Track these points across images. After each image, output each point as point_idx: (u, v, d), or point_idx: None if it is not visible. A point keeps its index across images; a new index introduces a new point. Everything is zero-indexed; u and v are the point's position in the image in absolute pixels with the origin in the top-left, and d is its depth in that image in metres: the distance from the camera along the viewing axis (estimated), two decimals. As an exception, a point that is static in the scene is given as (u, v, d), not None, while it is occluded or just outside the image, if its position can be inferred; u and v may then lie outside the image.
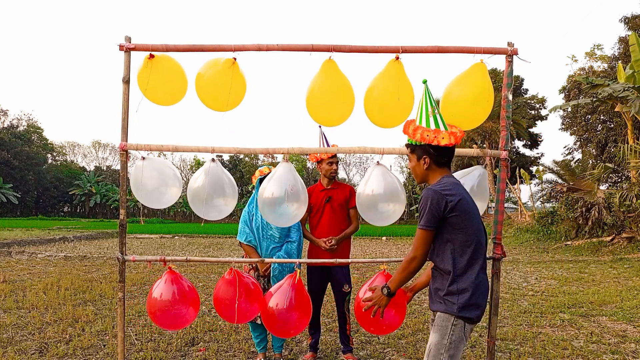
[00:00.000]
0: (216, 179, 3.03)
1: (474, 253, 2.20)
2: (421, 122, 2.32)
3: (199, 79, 2.95)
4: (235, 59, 2.90)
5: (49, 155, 58.21)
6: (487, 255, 3.02)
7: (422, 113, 2.34)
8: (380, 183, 2.96)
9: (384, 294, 2.31)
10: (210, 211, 3.05)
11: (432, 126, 2.29)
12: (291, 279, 2.93)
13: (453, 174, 2.58)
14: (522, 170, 26.08)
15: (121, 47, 2.88)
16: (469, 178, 3.01)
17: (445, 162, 2.32)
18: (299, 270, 2.97)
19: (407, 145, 2.39)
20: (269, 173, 3.65)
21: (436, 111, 2.33)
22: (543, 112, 33.77)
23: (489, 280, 2.88)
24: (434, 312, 2.33)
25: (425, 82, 2.42)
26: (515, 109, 30.57)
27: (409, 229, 25.51)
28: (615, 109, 16.19)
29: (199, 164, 51.62)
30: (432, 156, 2.30)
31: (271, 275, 3.67)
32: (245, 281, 3.02)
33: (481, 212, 3.03)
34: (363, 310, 2.42)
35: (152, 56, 2.88)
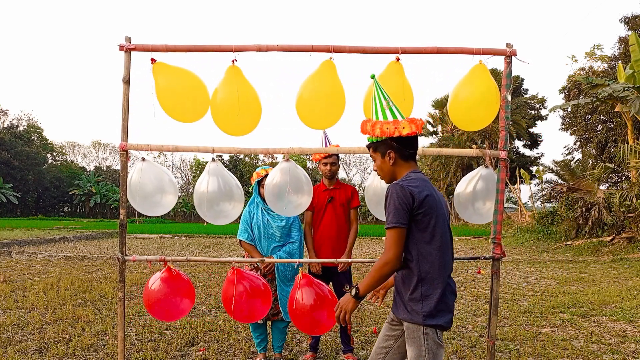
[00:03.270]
0: (221, 183, 3.01)
1: (440, 256, 2.05)
2: (377, 117, 2.20)
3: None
4: (234, 60, 2.90)
5: (49, 155, 58.20)
6: (487, 255, 3.04)
7: (377, 107, 2.22)
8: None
9: (351, 294, 2.10)
10: (218, 217, 3.04)
11: (390, 118, 2.17)
12: (302, 280, 2.92)
13: (462, 179, 2.51)
14: (522, 170, 26.07)
15: (121, 48, 2.88)
16: (474, 180, 2.99)
17: (410, 155, 2.19)
18: (301, 270, 2.97)
19: (369, 145, 2.25)
20: (266, 175, 3.66)
21: (391, 103, 2.22)
22: (543, 112, 33.77)
23: (490, 280, 2.87)
24: (399, 319, 2.19)
25: (373, 76, 2.38)
26: (515, 109, 30.56)
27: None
28: (615, 109, 16.19)
29: (199, 164, 51.57)
30: (396, 149, 2.16)
31: (275, 275, 3.67)
32: (249, 278, 3.02)
33: (489, 218, 3.03)
34: (335, 318, 2.18)
35: (153, 60, 2.88)
